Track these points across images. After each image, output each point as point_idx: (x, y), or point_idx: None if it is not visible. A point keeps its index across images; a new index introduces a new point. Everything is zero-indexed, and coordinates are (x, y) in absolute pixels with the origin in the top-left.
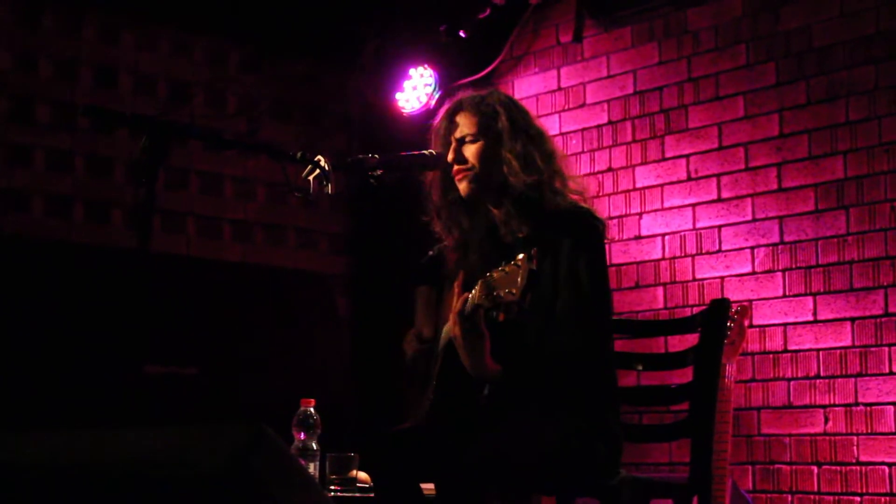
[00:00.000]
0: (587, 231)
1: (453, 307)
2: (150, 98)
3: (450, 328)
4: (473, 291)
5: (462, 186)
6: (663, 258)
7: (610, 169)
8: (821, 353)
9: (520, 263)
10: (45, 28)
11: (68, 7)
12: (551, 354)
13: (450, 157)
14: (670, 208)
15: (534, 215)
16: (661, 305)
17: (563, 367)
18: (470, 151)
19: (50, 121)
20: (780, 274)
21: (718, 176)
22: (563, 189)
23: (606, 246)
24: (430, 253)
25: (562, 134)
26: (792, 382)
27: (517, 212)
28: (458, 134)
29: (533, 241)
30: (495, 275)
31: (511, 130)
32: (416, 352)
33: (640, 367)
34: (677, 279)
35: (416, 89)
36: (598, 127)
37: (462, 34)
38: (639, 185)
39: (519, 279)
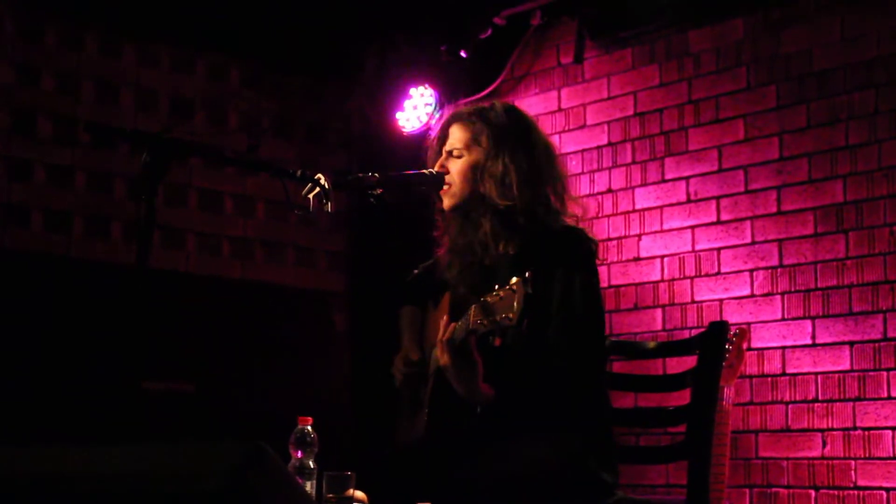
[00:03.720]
0: (580, 253)
1: (439, 335)
2: (152, 114)
3: (438, 355)
4: (463, 318)
5: (445, 201)
6: (662, 280)
7: (609, 190)
8: (819, 376)
9: (515, 287)
10: (47, 43)
11: (70, 22)
12: (545, 378)
13: (436, 168)
14: (669, 230)
15: (519, 234)
16: (659, 327)
17: (556, 391)
18: (454, 167)
19: (51, 135)
20: (778, 297)
21: (718, 198)
22: (559, 209)
23: (605, 267)
24: (415, 272)
25: (562, 155)
26: (790, 406)
27: (500, 229)
28: (448, 146)
29: (520, 261)
30: (489, 299)
31: (493, 151)
32: (406, 376)
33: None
34: (676, 301)
35: (416, 108)
36: (598, 148)
37: (463, 54)
38: (638, 206)
39: (515, 304)
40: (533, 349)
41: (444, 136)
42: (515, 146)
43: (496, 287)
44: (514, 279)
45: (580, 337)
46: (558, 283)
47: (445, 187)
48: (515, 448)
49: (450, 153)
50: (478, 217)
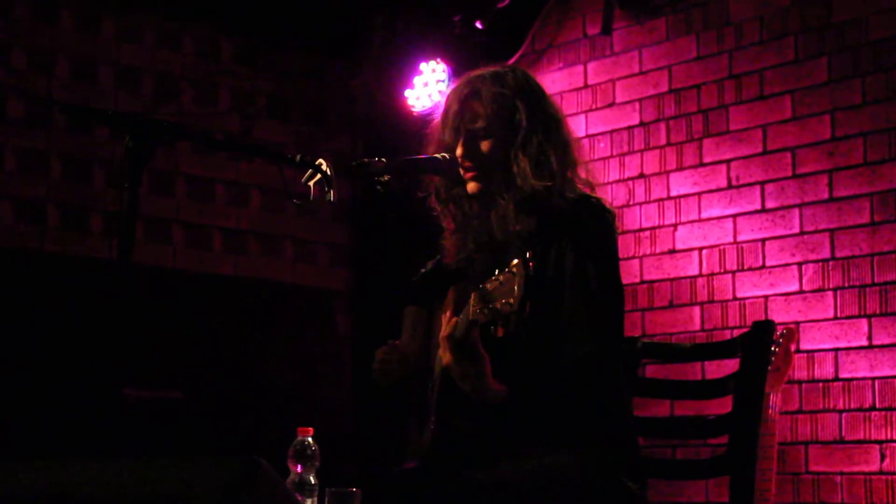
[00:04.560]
0: (594, 226)
1: (441, 332)
2: (134, 93)
3: (441, 354)
4: (465, 311)
5: (471, 186)
6: (700, 275)
7: (642, 175)
8: (876, 381)
9: (515, 270)
10: (17, 15)
11: None
12: (560, 366)
13: (459, 150)
14: (709, 219)
15: (537, 212)
16: (697, 327)
17: (574, 381)
18: (486, 146)
19: (23, 117)
20: (830, 293)
21: (762, 184)
22: (574, 180)
23: (636, 261)
24: (422, 270)
25: (588, 136)
26: (844, 414)
27: (518, 209)
28: (470, 124)
29: (534, 238)
30: (489, 285)
31: (528, 128)
32: (381, 365)
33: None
34: (716, 298)
35: (427, 86)
36: (629, 129)
37: (479, 25)
38: (673, 193)
39: (515, 288)
40: (542, 339)
41: (461, 113)
42: (547, 121)
43: (496, 272)
44: (515, 261)
45: (598, 321)
46: (571, 261)
47: (468, 174)
48: (531, 456)
49: (472, 132)
50: (497, 198)
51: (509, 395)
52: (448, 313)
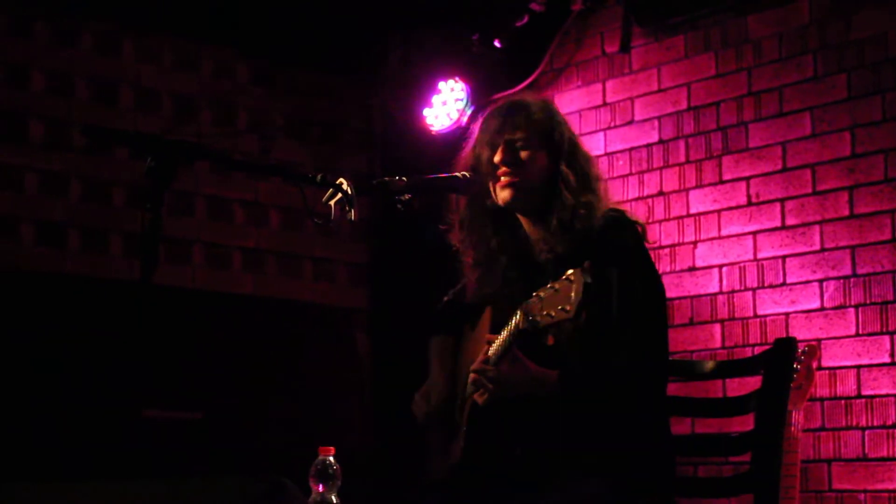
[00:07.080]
0: (630, 245)
1: (474, 363)
2: (153, 114)
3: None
4: (505, 329)
5: (504, 193)
6: (721, 292)
7: (661, 193)
8: None
9: (572, 278)
10: (38, 37)
11: (64, 15)
12: (607, 377)
13: (497, 157)
14: (729, 236)
15: (573, 235)
16: (718, 345)
17: (619, 394)
18: (526, 156)
19: (43, 140)
20: (852, 310)
21: (783, 201)
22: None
23: None
24: (446, 298)
25: (607, 154)
26: (867, 432)
27: (560, 231)
28: (510, 135)
29: (570, 260)
30: (542, 293)
31: (570, 146)
32: (427, 414)
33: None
34: (737, 315)
35: (445, 104)
36: (648, 146)
37: (497, 44)
38: (693, 210)
39: (573, 294)
40: (589, 351)
41: (501, 125)
42: (577, 141)
43: (549, 282)
44: (571, 270)
45: (645, 339)
46: (617, 285)
47: (503, 179)
48: (563, 485)
49: (512, 143)
50: (532, 218)
51: (562, 382)
52: (486, 347)
